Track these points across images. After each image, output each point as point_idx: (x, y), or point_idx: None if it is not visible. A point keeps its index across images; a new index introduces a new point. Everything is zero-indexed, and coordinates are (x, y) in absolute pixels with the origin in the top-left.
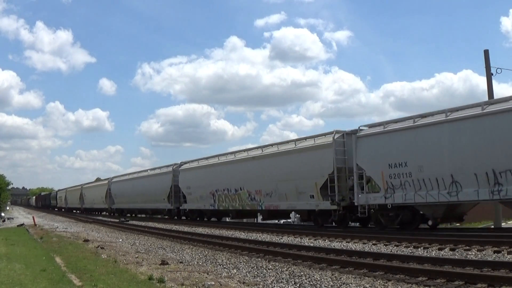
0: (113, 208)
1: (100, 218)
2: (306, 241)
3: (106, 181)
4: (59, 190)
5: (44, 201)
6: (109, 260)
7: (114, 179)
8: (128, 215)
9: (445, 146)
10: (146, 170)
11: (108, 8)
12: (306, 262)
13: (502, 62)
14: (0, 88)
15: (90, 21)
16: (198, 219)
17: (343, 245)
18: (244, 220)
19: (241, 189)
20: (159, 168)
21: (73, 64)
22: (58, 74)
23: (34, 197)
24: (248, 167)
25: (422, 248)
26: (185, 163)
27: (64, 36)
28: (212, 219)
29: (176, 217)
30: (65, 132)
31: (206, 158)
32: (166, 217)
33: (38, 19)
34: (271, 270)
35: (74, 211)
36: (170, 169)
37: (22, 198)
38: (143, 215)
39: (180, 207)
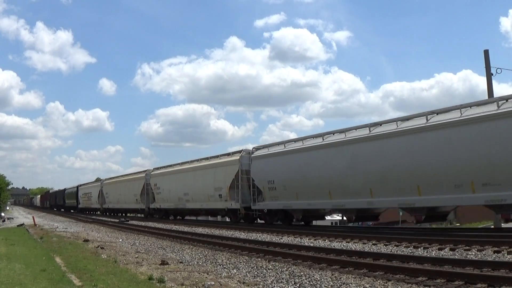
0: (257, 210)
1: (101, 218)
2: (306, 241)
3: (230, 158)
4: (82, 185)
5: (54, 201)
6: (109, 260)
7: (260, 152)
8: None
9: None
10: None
11: (108, 8)
12: (306, 262)
13: (502, 62)
14: (1, 88)
15: (90, 21)
16: None
17: (343, 245)
18: None
19: None
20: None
21: (73, 64)
22: (58, 74)
23: (38, 196)
24: None
25: (422, 248)
26: None
27: (64, 36)
28: None
29: None
30: (65, 132)
31: None
32: None
33: (38, 20)
34: (271, 270)
35: (126, 215)
36: None
37: (24, 198)
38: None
39: None
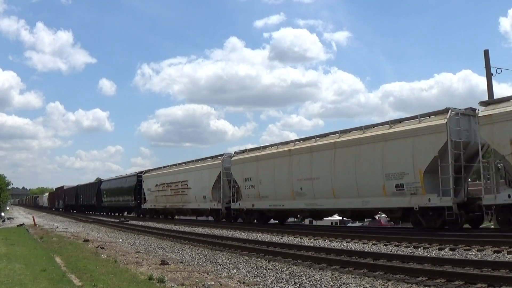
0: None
1: (101, 218)
2: (306, 241)
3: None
4: (151, 170)
5: (74, 199)
6: (109, 260)
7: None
8: None
9: None
10: None
11: (108, 9)
12: (306, 262)
13: (501, 62)
14: (1, 89)
15: (90, 22)
16: None
17: (343, 245)
18: None
19: None
20: None
21: (73, 65)
22: (58, 74)
23: (46, 194)
24: None
25: (422, 248)
26: None
27: (65, 36)
28: None
29: None
30: (65, 132)
31: None
32: None
33: (39, 20)
34: (271, 270)
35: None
36: None
37: (26, 198)
38: None
39: None
